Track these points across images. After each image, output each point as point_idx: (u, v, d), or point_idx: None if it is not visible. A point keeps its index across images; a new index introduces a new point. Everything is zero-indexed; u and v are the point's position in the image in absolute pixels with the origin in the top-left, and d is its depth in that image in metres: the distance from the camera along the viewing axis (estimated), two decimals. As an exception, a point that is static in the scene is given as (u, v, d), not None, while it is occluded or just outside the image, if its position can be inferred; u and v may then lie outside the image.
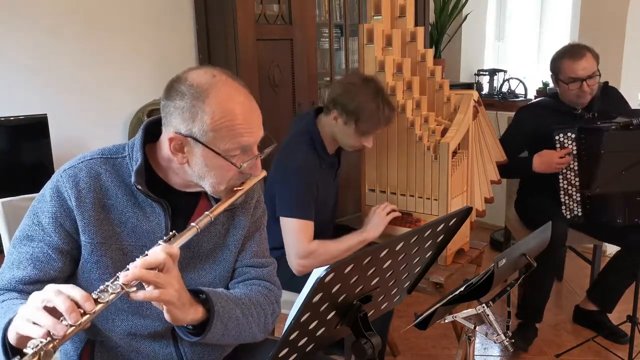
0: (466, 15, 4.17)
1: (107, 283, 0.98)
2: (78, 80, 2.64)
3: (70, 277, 1.18)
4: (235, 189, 1.17)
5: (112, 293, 0.97)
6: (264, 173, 1.22)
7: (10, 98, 2.43)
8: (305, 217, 1.86)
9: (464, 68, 4.36)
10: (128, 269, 0.99)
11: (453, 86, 3.00)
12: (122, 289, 0.97)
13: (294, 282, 1.78)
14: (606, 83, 2.61)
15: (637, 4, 3.22)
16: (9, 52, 2.43)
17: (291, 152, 1.93)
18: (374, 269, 1.01)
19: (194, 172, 1.15)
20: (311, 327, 1.00)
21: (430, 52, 2.10)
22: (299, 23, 3.03)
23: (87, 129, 2.66)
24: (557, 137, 2.46)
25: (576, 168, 2.47)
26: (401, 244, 1.04)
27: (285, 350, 1.00)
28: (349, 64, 3.43)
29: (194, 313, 1.08)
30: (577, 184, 2.48)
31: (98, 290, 0.97)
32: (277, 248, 1.88)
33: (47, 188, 1.16)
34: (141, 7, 2.82)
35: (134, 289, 0.98)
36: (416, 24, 2.16)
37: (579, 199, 2.49)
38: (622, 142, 2.12)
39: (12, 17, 2.42)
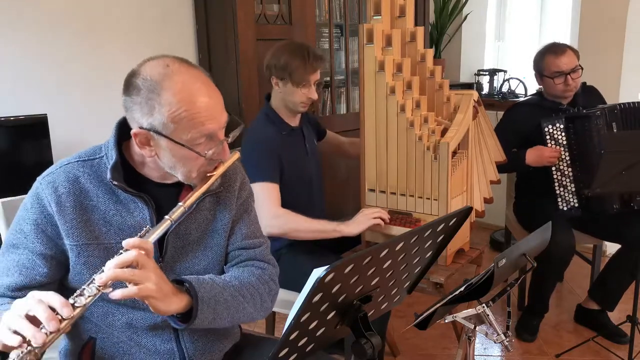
0: (466, 15, 4.17)
1: (83, 286, 1.00)
2: (78, 80, 2.64)
3: (60, 280, 1.19)
4: (208, 174, 1.17)
5: (88, 296, 0.99)
6: (236, 155, 1.21)
7: (10, 98, 2.43)
8: (269, 180, 1.97)
9: (464, 68, 4.35)
10: (103, 271, 1.00)
11: (453, 86, 3.00)
12: (98, 290, 0.99)
13: (294, 282, 1.78)
14: (584, 83, 2.68)
15: (637, 4, 3.22)
16: (9, 52, 2.43)
17: (250, 131, 2.10)
18: (374, 269, 1.01)
19: (164, 164, 1.15)
20: (311, 327, 1.00)
21: (430, 52, 2.10)
22: (299, 23, 3.03)
23: (87, 129, 2.65)
24: (546, 129, 2.50)
25: (568, 158, 2.50)
26: (401, 244, 1.03)
27: (285, 350, 1.00)
28: (349, 64, 3.43)
29: (178, 302, 1.10)
30: (571, 174, 2.50)
31: (75, 294, 0.99)
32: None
33: (29, 196, 1.18)
34: (141, 7, 2.82)
35: (110, 289, 1.00)
36: (416, 24, 2.16)
37: (573, 189, 2.50)
38: (622, 142, 2.12)
39: (12, 17, 2.42)
